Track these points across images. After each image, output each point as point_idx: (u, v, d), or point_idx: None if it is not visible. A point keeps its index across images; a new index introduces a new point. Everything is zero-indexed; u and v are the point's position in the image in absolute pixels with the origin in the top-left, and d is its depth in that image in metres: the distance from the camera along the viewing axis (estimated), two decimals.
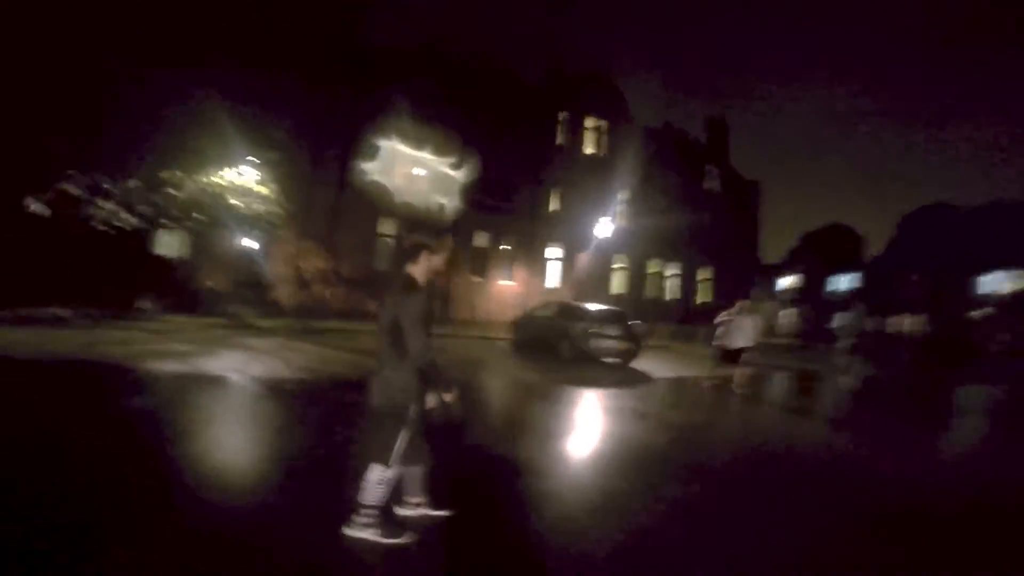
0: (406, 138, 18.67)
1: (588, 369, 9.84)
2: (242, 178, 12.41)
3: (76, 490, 2.90)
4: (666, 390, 8.39)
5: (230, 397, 5.73)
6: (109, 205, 10.14)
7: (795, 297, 32.55)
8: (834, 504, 3.68)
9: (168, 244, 16.37)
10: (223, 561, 2.32)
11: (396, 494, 2.95)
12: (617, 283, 24.20)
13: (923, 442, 6.15)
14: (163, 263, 15.81)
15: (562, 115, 22.35)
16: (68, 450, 3.53)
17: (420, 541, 2.66)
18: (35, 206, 9.44)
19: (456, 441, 4.43)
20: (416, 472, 2.90)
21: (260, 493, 3.11)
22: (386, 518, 2.72)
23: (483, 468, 3.93)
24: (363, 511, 2.64)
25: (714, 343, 8.54)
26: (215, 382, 6.23)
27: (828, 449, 5.42)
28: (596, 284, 22.90)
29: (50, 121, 8.32)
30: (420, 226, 14.81)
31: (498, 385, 7.92)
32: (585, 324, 10.91)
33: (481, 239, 20.14)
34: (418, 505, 2.96)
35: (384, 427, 2.61)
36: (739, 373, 8.27)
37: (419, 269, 2.69)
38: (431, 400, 2.76)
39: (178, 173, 11.01)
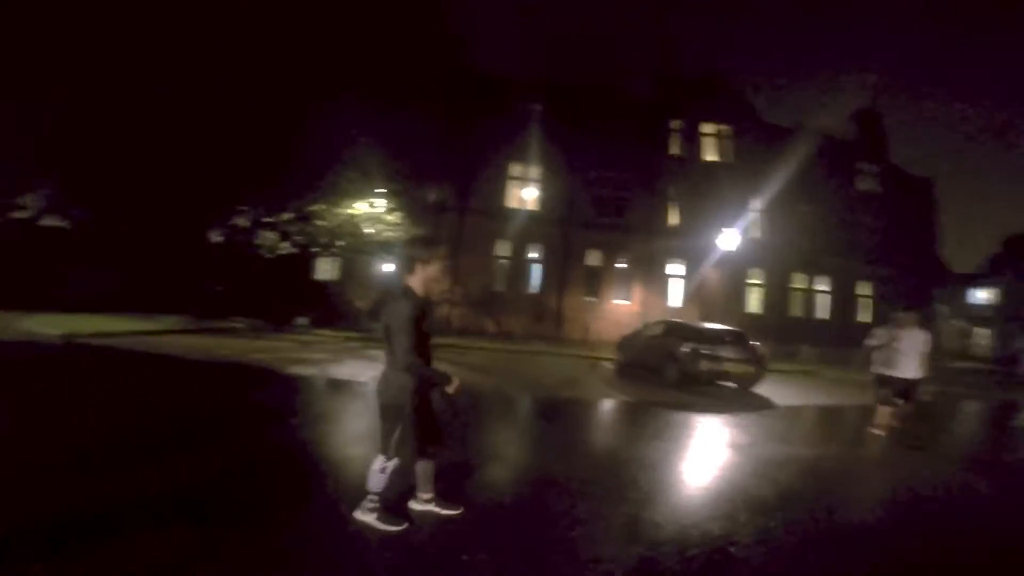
0: (518, 161, 19.46)
1: (697, 393, 9.08)
2: (374, 208, 14.12)
3: (209, 461, 3.58)
4: (780, 420, 7.33)
5: (336, 396, 6.52)
6: (270, 235, 12.35)
7: (997, 313, 25.89)
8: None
9: (324, 269, 19.20)
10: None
11: (412, 489, 3.11)
12: (754, 301, 21.87)
13: None
14: (318, 285, 18.57)
15: (675, 123, 21.14)
16: (198, 429, 4.36)
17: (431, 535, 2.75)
18: (215, 237, 11.93)
19: (493, 453, 4.45)
20: (427, 468, 3.03)
21: (329, 469, 3.50)
22: (387, 505, 2.89)
23: (512, 482, 3.89)
24: (368, 497, 2.86)
25: (872, 370, 6.66)
26: (328, 384, 7.15)
27: (957, 503, 4.25)
28: (728, 303, 20.96)
29: (225, 166, 10.53)
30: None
31: (579, 404, 7.69)
32: (695, 345, 10.07)
33: (594, 258, 19.83)
34: (428, 501, 3.07)
35: (386, 421, 2.81)
36: (883, 411, 6.53)
37: (416, 279, 2.85)
38: (435, 398, 2.91)
39: (323, 206, 12.95)
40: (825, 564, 2.89)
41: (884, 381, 6.46)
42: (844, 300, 22.40)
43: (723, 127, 21.46)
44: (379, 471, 2.82)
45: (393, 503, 2.99)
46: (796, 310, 22.05)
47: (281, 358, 9.06)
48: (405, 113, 12.61)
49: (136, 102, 9.42)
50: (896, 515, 3.86)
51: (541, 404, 7.49)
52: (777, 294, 21.63)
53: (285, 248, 12.87)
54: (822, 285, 22.43)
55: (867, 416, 7.05)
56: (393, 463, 2.81)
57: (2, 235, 11.77)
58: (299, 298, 16.51)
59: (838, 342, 19.73)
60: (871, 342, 6.78)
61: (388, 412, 2.80)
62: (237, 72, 10.07)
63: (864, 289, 22.75)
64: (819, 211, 21.83)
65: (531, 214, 19.45)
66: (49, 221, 10.89)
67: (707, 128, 21.41)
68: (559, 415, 6.79)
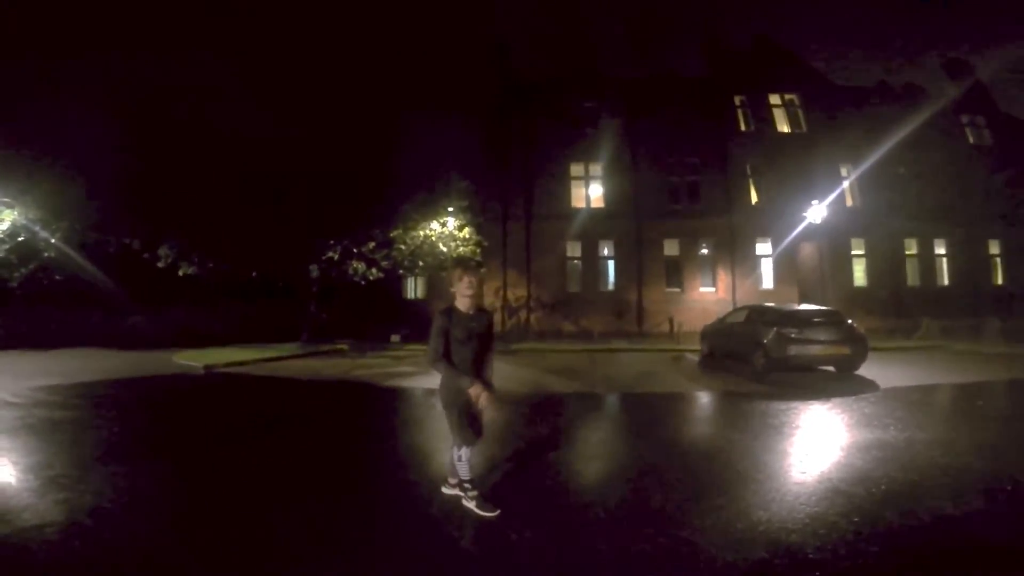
0: (579, 160, 19.55)
1: (787, 381, 8.66)
2: (446, 227, 15.06)
3: (324, 461, 4.33)
4: (879, 404, 6.78)
5: (426, 403, 7.21)
6: (359, 264, 13.70)
7: None
8: None
9: (411, 288, 20.62)
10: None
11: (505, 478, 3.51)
12: (860, 273, 19.96)
13: None
14: (407, 303, 19.98)
15: (738, 99, 20.22)
16: (317, 435, 5.18)
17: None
18: (314, 271, 13.51)
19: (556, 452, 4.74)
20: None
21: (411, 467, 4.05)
22: (484, 493, 3.33)
23: (554, 479, 4.17)
24: (462, 485, 3.32)
25: None
26: (423, 393, 7.90)
27: None
28: (831, 278, 19.40)
29: (318, 213, 12.05)
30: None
31: (657, 398, 7.69)
32: (782, 328, 9.58)
33: (672, 247, 19.26)
34: (454, 487, 3.49)
35: (448, 415, 3.26)
36: None
37: (458, 296, 3.27)
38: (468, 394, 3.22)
39: (401, 231, 14.08)
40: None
41: None
42: (971, 263, 19.72)
43: (791, 96, 20.29)
44: (456, 459, 3.26)
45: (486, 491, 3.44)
46: (913, 279, 19.83)
47: (379, 373, 10.04)
48: (464, 132, 13.38)
49: (241, 168, 11.18)
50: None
51: (616, 401, 7.64)
52: (888, 264, 19.59)
53: (373, 274, 14.20)
54: (941, 249, 19.96)
55: (987, 394, 6.31)
56: (465, 451, 3.23)
57: (151, 285, 14.26)
58: (392, 317, 17.94)
59: (967, 311, 17.47)
60: None
61: (444, 407, 3.26)
62: (322, 133, 11.55)
63: (995, 248, 19.87)
64: (923, 171, 19.69)
65: (599, 211, 19.40)
66: (182, 271, 13.07)
67: (774, 99, 20.29)
68: (634, 411, 6.91)
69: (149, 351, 12.51)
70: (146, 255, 12.90)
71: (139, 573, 2.53)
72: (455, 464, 3.27)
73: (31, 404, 6.55)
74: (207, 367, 10.34)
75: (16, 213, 12.62)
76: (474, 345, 3.19)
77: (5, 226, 12.51)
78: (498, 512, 3.20)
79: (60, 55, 13.37)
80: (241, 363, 11.06)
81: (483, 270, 17.43)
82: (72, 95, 12.87)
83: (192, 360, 10.89)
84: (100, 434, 5.35)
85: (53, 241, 13.12)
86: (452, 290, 3.30)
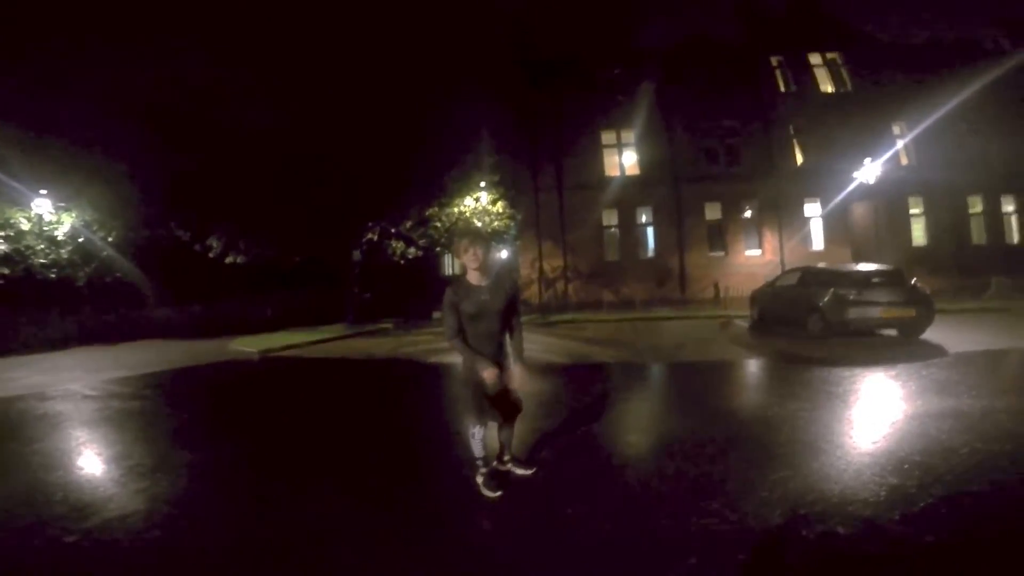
0: (611, 128, 18.91)
1: (847, 345, 8.22)
2: (479, 202, 15.02)
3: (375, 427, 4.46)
4: (950, 370, 6.32)
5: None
6: (398, 244, 13.89)
7: None
8: None
9: (449, 264, 20.82)
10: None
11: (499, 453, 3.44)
12: (920, 232, 18.80)
13: None
14: (447, 280, 20.20)
15: (775, 59, 19.21)
16: (376, 414, 5.33)
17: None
18: (356, 254, 13.78)
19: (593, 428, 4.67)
20: (503, 435, 3.36)
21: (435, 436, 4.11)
22: (490, 472, 3.26)
23: (590, 460, 4.11)
24: (475, 461, 3.25)
25: None
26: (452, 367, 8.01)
27: None
28: (888, 237, 18.38)
29: (358, 197, 12.23)
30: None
31: (704, 366, 7.48)
32: (840, 290, 9.09)
33: (713, 211, 18.58)
34: (506, 462, 3.44)
35: (463, 391, 3.21)
36: None
37: (468, 269, 3.06)
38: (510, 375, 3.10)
39: (436, 210, 14.14)
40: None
41: None
42: None
43: (833, 55, 19.27)
44: (470, 436, 3.19)
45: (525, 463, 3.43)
46: (979, 237, 18.62)
47: (424, 350, 10.24)
48: (492, 107, 13.21)
49: (280, 158, 11.44)
50: None
51: (664, 371, 7.48)
52: (950, 222, 18.45)
53: (412, 252, 14.42)
54: (1010, 206, 18.59)
55: None
56: (477, 429, 3.14)
57: (203, 278, 14.92)
58: (432, 294, 18.21)
59: None
60: None
61: (462, 382, 3.19)
62: (354, 119, 11.64)
63: None
64: (986, 126, 18.25)
65: (634, 178, 18.84)
66: (230, 260, 13.59)
67: (815, 59, 19.29)
68: (684, 381, 6.75)
69: (206, 340, 13.12)
70: (196, 246, 13.47)
71: (216, 561, 2.63)
72: (470, 440, 3.18)
73: (106, 396, 6.93)
74: (262, 352, 10.77)
75: (74, 215, 13.33)
76: (489, 322, 2.97)
77: (66, 228, 13.24)
78: (500, 494, 3.10)
79: (99, 57, 13.83)
80: (294, 346, 11.50)
81: (508, 237, 17.02)
82: (116, 97, 13.37)
83: (247, 346, 11.37)
84: (171, 422, 5.62)
85: (110, 240, 13.84)
86: (460, 261, 3.10)
